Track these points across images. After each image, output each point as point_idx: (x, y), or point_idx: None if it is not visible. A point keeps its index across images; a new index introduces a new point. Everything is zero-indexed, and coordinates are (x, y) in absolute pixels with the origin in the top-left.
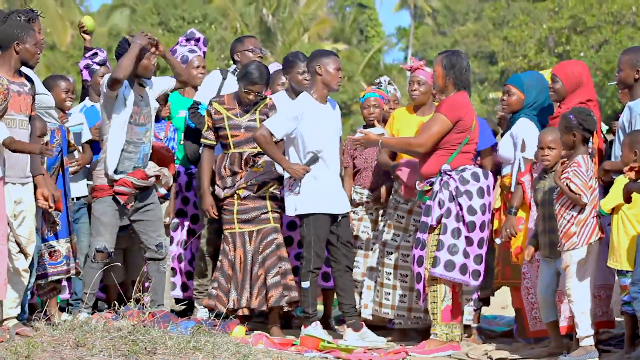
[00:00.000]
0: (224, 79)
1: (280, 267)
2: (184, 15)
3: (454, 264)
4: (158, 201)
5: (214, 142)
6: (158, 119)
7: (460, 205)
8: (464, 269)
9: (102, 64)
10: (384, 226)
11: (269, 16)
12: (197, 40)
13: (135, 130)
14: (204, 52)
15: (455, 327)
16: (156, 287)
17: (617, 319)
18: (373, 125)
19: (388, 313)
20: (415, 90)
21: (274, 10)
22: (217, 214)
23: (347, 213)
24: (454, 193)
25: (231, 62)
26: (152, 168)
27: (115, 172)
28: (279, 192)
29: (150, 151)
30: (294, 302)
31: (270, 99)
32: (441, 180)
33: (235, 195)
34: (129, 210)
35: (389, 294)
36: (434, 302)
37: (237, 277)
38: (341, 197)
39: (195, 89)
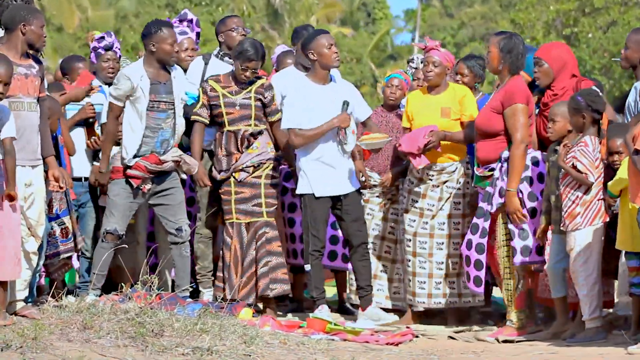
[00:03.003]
0: (205, 64)
1: (269, 260)
2: None
3: (529, 248)
4: (179, 185)
5: (206, 121)
6: None
7: (521, 191)
8: (540, 250)
9: (108, 48)
10: (401, 214)
11: None
12: (190, 21)
13: (153, 116)
14: (198, 33)
15: (523, 310)
16: (180, 271)
17: (621, 300)
18: (393, 107)
19: (424, 302)
20: (430, 71)
21: None
22: (210, 184)
23: (356, 191)
24: None
25: None
26: (171, 153)
27: (134, 156)
28: (274, 173)
29: (175, 136)
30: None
31: (267, 78)
32: (501, 167)
33: (232, 178)
34: (145, 193)
35: (424, 282)
36: (508, 290)
37: (232, 268)
38: (343, 177)
39: (186, 72)
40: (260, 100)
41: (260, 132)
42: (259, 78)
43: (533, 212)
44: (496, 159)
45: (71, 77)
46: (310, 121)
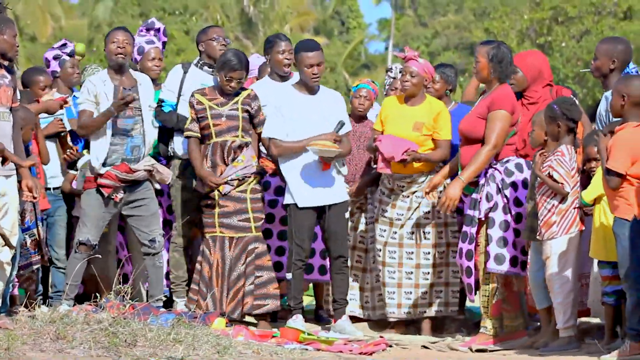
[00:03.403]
0: (185, 72)
1: (260, 276)
2: (165, 6)
3: (504, 257)
4: (153, 196)
5: (198, 135)
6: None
7: (506, 197)
8: (514, 261)
9: (71, 54)
10: (370, 222)
11: (250, 7)
12: (157, 30)
13: (121, 122)
14: (164, 43)
15: (517, 316)
16: (153, 281)
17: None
18: (361, 117)
19: (394, 312)
20: (407, 81)
21: (255, 1)
22: (214, 184)
23: (340, 203)
24: (499, 185)
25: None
26: (144, 162)
27: (105, 164)
28: (258, 187)
29: (146, 143)
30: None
31: (252, 90)
32: (486, 173)
33: (216, 191)
34: (117, 202)
35: (393, 292)
36: (486, 297)
37: (213, 281)
38: (328, 188)
39: (154, 81)
40: (247, 111)
41: (247, 144)
42: (244, 89)
43: (518, 218)
44: None
45: (32, 89)
46: (294, 131)
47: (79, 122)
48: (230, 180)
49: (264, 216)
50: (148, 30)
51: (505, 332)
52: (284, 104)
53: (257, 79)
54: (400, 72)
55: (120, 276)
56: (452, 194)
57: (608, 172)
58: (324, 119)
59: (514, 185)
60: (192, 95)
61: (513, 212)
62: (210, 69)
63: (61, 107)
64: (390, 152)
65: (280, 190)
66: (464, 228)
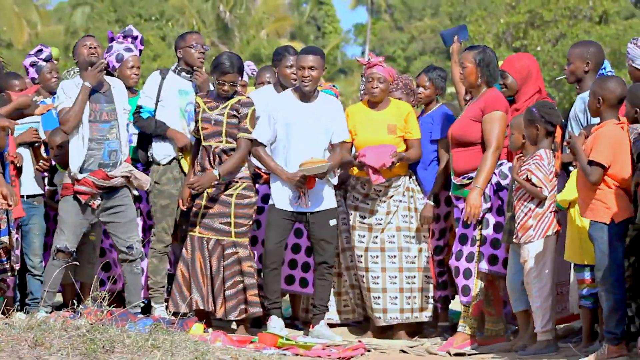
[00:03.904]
0: (162, 78)
1: (240, 280)
2: (141, 12)
3: (498, 259)
4: (131, 202)
5: (196, 136)
6: None
7: (500, 199)
8: (506, 263)
9: (47, 60)
10: (348, 229)
11: (227, 13)
12: (135, 38)
13: (97, 127)
14: (140, 51)
15: (499, 321)
16: (131, 288)
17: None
18: None
19: (380, 317)
20: (376, 87)
21: (231, 7)
22: (188, 206)
23: (324, 210)
24: (494, 188)
25: None
26: (121, 168)
27: (82, 170)
28: (248, 192)
29: (122, 148)
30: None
31: (248, 97)
32: None
33: (205, 194)
34: (95, 209)
35: (379, 297)
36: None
37: (199, 280)
38: (310, 195)
39: (131, 89)
40: (235, 116)
41: (232, 149)
42: (237, 93)
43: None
44: (474, 168)
45: (8, 95)
46: (286, 136)
47: (60, 119)
48: (217, 183)
49: (249, 223)
50: (125, 37)
51: (485, 336)
52: (280, 108)
53: (256, 84)
54: (363, 78)
55: (113, 278)
56: (474, 202)
57: (590, 164)
58: (319, 124)
59: (507, 187)
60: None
61: (507, 215)
62: (189, 75)
63: (36, 103)
64: (379, 161)
65: (267, 198)
66: (463, 230)
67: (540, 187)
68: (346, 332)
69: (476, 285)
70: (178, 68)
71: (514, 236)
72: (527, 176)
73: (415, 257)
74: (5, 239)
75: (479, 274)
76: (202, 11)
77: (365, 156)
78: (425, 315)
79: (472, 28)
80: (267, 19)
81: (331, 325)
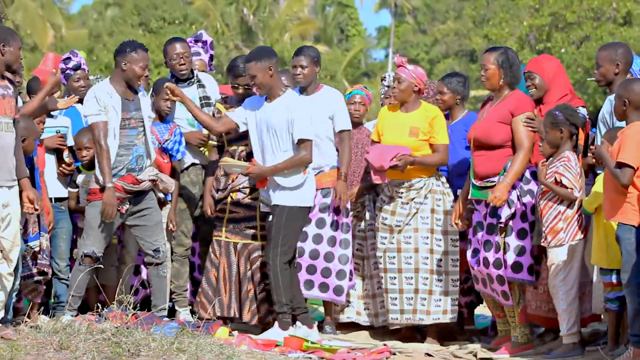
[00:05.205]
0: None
1: (267, 283)
2: (165, 16)
3: (522, 266)
4: (156, 205)
5: (215, 143)
6: (164, 119)
7: (524, 205)
8: (531, 270)
9: (76, 68)
10: (370, 230)
11: (250, 16)
12: (205, 42)
13: (126, 133)
14: (211, 56)
15: (506, 322)
16: (157, 291)
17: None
18: (357, 123)
19: (397, 318)
20: (395, 88)
21: (255, 10)
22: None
23: (273, 210)
24: (518, 193)
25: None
26: (147, 172)
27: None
28: None
29: (149, 153)
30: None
31: None
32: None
33: (229, 197)
34: (123, 214)
35: (395, 298)
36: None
37: (221, 285)
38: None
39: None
40: None
41: None
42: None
43: (532, 226)
44: (498, 172)
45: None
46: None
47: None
48: (242, 187)
49: None
50: (196, 41)
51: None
52: (249, 114)
53: None
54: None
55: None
56: (500, 194)
57: (619, 166)
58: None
59: (530, 192)
60: (215, 105)
61: (530, 220)
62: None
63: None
64: (377, 162)
65: None
66: (487, 237)
67: (572, 188)
68: (368, 336)
69: (515, 292)
70: (174, 78)
71: (542, 238)
72: (555, 178)
73: (427, 258)
74: (34, 243)
75: (515, 283)
76: (225, 14)
77: (369, 153)
78: (449, 318)
79: (495, 31)
80: (291, 22)
81: (352, 326)
